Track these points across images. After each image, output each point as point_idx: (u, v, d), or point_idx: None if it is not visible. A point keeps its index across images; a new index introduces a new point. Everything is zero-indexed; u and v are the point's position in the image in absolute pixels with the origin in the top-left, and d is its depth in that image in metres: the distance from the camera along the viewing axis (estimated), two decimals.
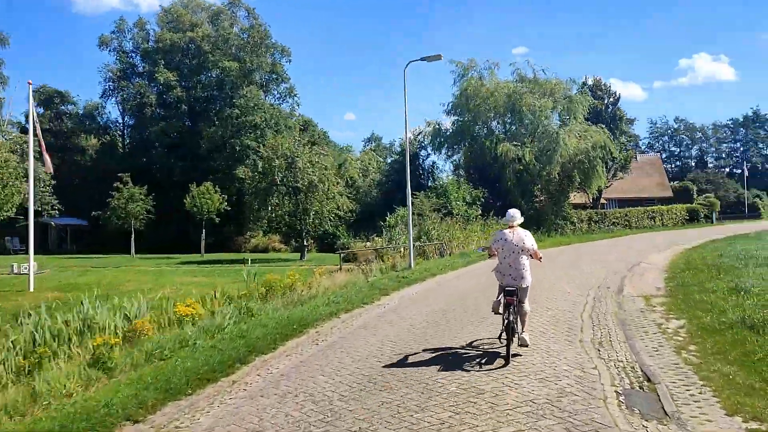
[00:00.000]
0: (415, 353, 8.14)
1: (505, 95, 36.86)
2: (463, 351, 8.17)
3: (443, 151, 40.69)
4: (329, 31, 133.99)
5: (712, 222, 51.16)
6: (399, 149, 42.47)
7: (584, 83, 48.69)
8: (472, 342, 8.67)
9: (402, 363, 7.71)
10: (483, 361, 7.60)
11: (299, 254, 32.47)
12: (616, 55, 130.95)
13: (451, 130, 40.08)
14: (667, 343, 8.40)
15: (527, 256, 7.72)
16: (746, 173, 60.83)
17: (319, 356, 8.43)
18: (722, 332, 8.57)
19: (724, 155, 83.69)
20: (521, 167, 35.60)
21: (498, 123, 38.88)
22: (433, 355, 8.01)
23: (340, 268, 23.12)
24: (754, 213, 59.55)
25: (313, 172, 29.17)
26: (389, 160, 44.70)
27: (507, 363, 7.28)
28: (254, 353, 8.70)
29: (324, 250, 38.84)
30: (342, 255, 27.69)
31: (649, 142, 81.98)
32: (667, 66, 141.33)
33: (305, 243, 31.65)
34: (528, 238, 7.74)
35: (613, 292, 12.98)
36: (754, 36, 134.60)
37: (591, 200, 47.56)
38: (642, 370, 7.09)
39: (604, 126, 39.47)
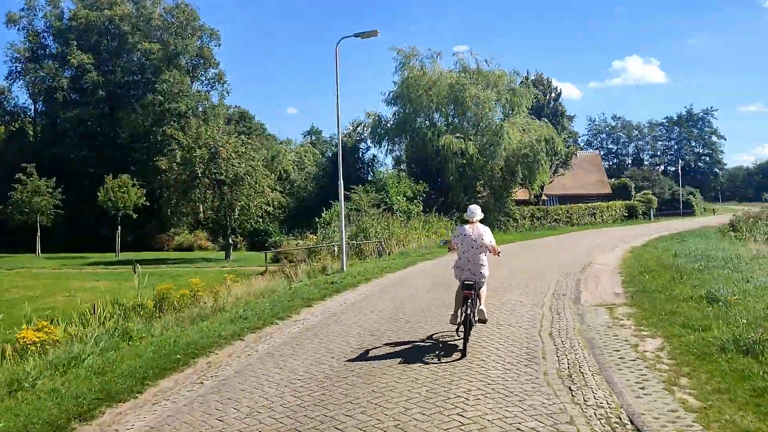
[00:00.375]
0: (331, 406, 5.96)
1: (448, 86, 35.23)
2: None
3: (384, 144, 38.73)
4: (266, 20, 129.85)
5: (650, 219, 51.68)
6: (327, 137, 40.17)
7: (526, 78, 47.89)
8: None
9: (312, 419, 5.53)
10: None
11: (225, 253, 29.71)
12: (553, 56, 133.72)
13: (392, 122, 38.14)
14: (651, 374, 6.59)
15: (486, 251, 7.83)
16: (680, 171, 62.07)
17: (197, 407, 6.11)
18: (713, 358, 6.86)
19: (659, 153, 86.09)
20: (464, 161, 34.08)
21: (440, 115, 37.23)
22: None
23: (265, 271, 20.69)
24: (689, 210, 60.91)
25: (239, 163, 26.47)
26: (329, 153, 42.12)
27: (464, 356, 7.25)
28: (107, 401, 6.30)
29: (256, 249, 36.11)
30: (271, 255, 25.26)
31: (587, 140, 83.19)
32: (601, 67, 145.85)
33: (231, 241, 28.87)
34: (487, 234, 7.82)
35: (570, 300, 11.28)
36: (682, 41, 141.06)
37: (533, 196, 46.83)
38: (633, 423, 5.23)
39: (547, 120, 38.55)
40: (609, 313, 10.03)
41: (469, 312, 7.47)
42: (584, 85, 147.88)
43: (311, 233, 29.56)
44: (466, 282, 7.70)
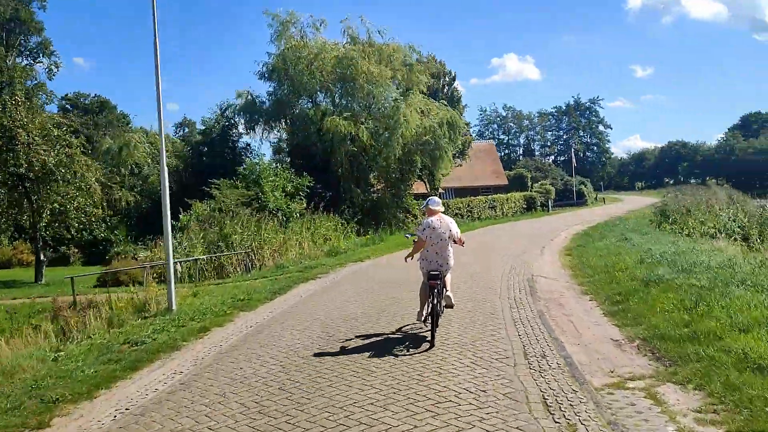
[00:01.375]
0: None
1: (335, 60, 29.63)
2: None
3: (259, 130, 32.30)
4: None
5: (549, 210, 49.70)
6: (202, 128, 33.03)
7: (418, 60, 43.52)
8: None
9: None
10: None
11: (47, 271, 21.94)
12: (436, 53, 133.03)
13: (268, 103, 31.84)
14: None
15: (452, 242, 7.87)
16: (574, 161, 61.32)
17: None
18: None
19: (549, 143, 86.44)
20: (355, 149, 28.72)
21: (326, 95, 31.53)
22: None
23: (74, 305, 13.82)
24: (582, 200, 60.29)
25: (46, 150, 19.04)
26: (196, 143, 34.82)
27: (432, 346, 7.14)
28: None
29: (95, 262, 28.34)
30: (100, 272, 18.59)
31: (479, 130, 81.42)
32: (481, 64, 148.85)
33: (44, 257, 21.30)
34: (453, 225, 7.92)
35: (554, 364, 6.22)
36: (556, 38, 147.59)
37: (429, 189, 42.58)
38: None
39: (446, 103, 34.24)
40: (619, 386, 5.08)
41: (436, 302, 7.41)
42: (466, 81, 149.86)
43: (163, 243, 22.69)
44: (431, 272, 7.61)
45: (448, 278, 7.97)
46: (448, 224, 7.80)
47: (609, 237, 19.32)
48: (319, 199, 27.28)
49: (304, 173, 26.13)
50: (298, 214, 24.31)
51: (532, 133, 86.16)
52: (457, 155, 43.88)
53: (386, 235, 26.54)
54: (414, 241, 8.15)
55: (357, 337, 8.04)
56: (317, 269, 15.64)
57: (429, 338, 7.31)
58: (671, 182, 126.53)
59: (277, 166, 26.38)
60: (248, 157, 32.09)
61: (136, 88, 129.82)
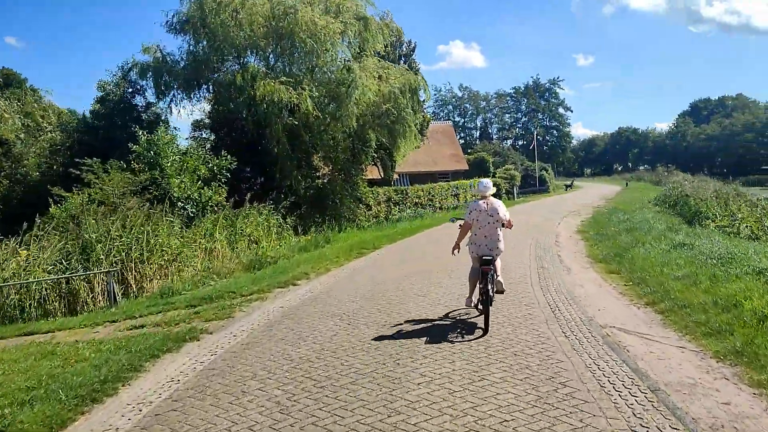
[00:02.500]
0: None
1: (268, 8, 23.17)
2: None
3: (173, 97, 25.39)
4: None
5: (515, 198, 44.89)
6: (100, 94, 25.67)
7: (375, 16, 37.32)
8: None
9: None
10: None
11: None
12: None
13: (184, 63, 24.99)
14: None
15: (501, 225, 7.66)
16: (535, 145, 56.77)
17: None
18: None
19: (507, 126, 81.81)
20: (296, 122, 22.48)
21: (258, 55, 24.96)
22: None
23: None
24: (543, 187, 56.02)
25: None
26: (87, 113, 26.94)
27: (486, 332, 7.08)
28: None
29: None
30: None
31: (433, 112, 75.76)
32: (428, 51, 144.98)
33: None
34: (501, 208, 7.69)
35: None
36: (501, 26, 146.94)
37: (383, 174, 36.67)
38: None
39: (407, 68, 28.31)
40: None
41: (489, 287, 7.26)
42: (415, 68, 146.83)
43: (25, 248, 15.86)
44: (484, 257, 7.48)
45: (498, 263, 7.76)
46: (496, 207, 7.61)
47: (642, 237, 14.01)
48: (248, 187, 21.02)
49: (226, 154, 19.62)
50: (215, 207, 17.94)
51: (489, 115, 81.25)
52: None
53: (335, 233, 20.53)
54: (459, 225, 8.01)
55: None
56: (217, 305, 9.52)
57: (482, 325, 7.22)
58: (620, 168, 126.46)
59: (190, 143, 19.72)
60: (157, 132, 25.21)
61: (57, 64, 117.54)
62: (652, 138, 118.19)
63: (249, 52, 24.80)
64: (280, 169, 22.32)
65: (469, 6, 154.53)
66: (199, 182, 18.49)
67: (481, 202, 7.63)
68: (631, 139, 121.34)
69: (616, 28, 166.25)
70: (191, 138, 25.73)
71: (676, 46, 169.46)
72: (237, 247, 15.39)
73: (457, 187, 38.49)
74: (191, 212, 17.09)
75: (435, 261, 13.04)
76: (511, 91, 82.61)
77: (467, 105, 79.87)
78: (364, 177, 28.91)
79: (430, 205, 34.75)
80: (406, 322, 7.91)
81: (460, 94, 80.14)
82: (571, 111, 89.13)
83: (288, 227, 19.81)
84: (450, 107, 80.00)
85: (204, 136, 26.34)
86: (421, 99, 26.24)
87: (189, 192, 17.36)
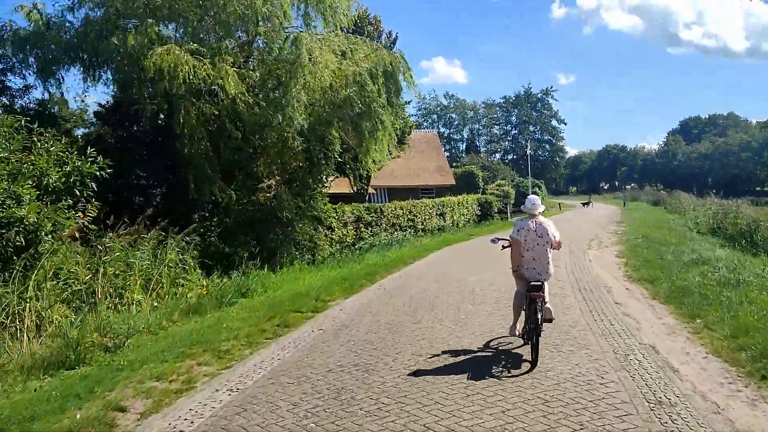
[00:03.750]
0: None
1: None
2: None
3: (60, 77, 18.43)
4: None
5: (509, 217, 38.60)
6: None
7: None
8: None
9: None
10: None
11: None
12: None
13: (74, 32, 18.12)
14: None
15: (550, 246, 7.16)
16: (528, 158, 50.72)
17: None
18: None
19: (496, 139, 75.65)
20: (216, 110, 15.71)
21: (177, 24, 18.25)
22: None
23: None
24: None
25: None
26: None
27: (534, 366, 6.50)
28: None
29: None
30: None
31: (416, 121, 68.98)
32: (412, 66, 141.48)
33: None
34: (551, 228, 7.21)
35: None
36: (482, 43, 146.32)
37: (354, 187, 29.90)
38: None
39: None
40: None
41: (538, 316, 6.66)
42: None
43: None
44: (533, 283, 6.91)
45: (546, 288, 7.16)
46: (546, 227, 7.17)
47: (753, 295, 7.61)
48: (143, 203, 14.19)
49: (94, 152, 12.61)
50: (66, 239, 11.10)
51: (477, 126, 74.82)
52: (393, 144, 31.83)
53: (265, 276, 13.74)
54: (503, 246, 7.71)
55: None
56: None
57: (528, 357, 6.74)
58: (606, 186, 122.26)
59: (33, 132, 12.64)
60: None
61: None
62: (641, 156, 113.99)
63: (164, 18, 18.02)
64: (194, 177, 15.48)
65: (451, 23, 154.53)
66: (48, 195, 11.63)
67: (529, 221, 7.20)
68: (619, 157, 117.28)
69: (596, 47, 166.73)
70: (85, 137, 18.74)
71: (656, 66, 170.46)
72: (51, 317, 8.53)
73: (443, 205, 32.03)
74: (13, 243, 10.24)
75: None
76: (501, 100, 76.55)
77: (453, 115, 73.43)
78: (325, 190, 22.31)
79: (411, 226, 28.18)
80: None
81: (445, 103, 73.81)
82: (565, 123, 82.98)
83: (194, 266, 12.98)
84: (435, 117, 73.59)
85: (107, 131, 19.35)
86: (402, 91, 19.55)
87: (13, 211, 10.46)
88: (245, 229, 17.13)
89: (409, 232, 27.26)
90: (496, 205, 37.47)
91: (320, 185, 20.92)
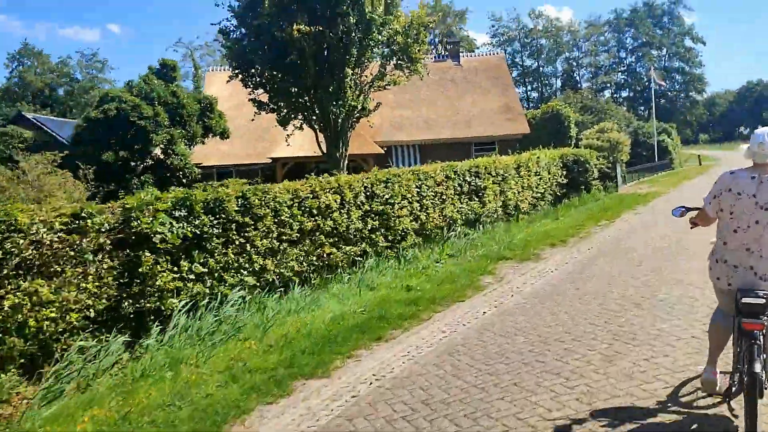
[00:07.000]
0: None
1: None
2: None
3: None
4: None
5: (617, 187, 23.12)
6: None
7: None
8: None
9: None
10: None
11: None
12: None
13: None
14: None
15: None
16: (652, 92, 34.06)
17: None
18: None
19: (603, 71, 56.72)
20: None
21: None
22: None
23: None
24: (664, 160, 33.62)
25: None
26: None
27: None
28: None
29: None
30: None
31: (489, 51, 52.58)
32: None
33: None
34: None
35: None
36: None
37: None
38: None
39: None
40: None
41: (756, 365, 3.30)
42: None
43: None
44: (745, 300, 3.43)
45: None
46: None
47: None
48: None
49: None
50: None
51: (577, 53, 55.73)
52: (403, 59, 17.47)
53: None
54: (691, 220, 4.05)
55: None
56: None
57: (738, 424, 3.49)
58: (747, 132, 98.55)
59: None
60: None
61: None
62: None
63: None
64: None
65: None
66: None
67: (743, 173, 3.63)
68: (764, 96, 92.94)
69: None
70: None
71: None
72: None
73: (477, 174, 16.14)
74: None
75: None
76: (611, 16, 56.46)
77: (542, 41, 55.30)
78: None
79: (422, 211, 13.46)
80: None
81: (531, 25, 55.65)
82: (704, 43, 60.41)
83: None
84: (517, 44, 55.66)
85: None
86: None
87: None
88: None
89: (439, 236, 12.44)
90: (597, 165, 21.73)
91: None
